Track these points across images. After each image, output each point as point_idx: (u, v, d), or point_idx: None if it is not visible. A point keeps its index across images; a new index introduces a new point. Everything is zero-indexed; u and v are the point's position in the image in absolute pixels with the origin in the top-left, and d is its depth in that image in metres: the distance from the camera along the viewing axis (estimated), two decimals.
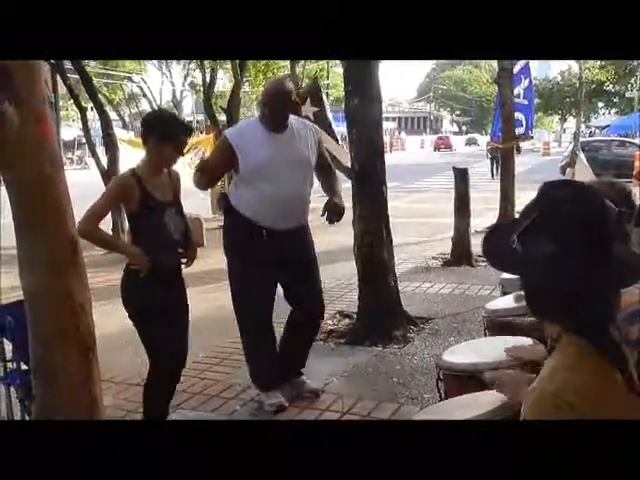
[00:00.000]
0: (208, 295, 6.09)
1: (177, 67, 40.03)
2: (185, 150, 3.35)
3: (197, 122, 47.48)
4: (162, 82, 46.31)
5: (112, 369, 4.23)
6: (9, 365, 2.93)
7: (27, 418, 2.82)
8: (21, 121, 2.12)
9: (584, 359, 1.23)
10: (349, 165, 4.99)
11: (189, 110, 54.73)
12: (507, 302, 3.37)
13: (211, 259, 7.10)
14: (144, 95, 47.73)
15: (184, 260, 3.29)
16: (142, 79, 44.44)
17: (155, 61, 38.33)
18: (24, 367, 2.80)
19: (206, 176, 3.69)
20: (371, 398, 3.84)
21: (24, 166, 2.17)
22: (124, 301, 3.10)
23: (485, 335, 3.26)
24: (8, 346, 2.98)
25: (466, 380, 2.50)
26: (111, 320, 4.71)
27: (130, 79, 43.39)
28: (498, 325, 3.15)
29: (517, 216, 1.38)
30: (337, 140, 8.30)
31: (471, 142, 55.96)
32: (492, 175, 20.00)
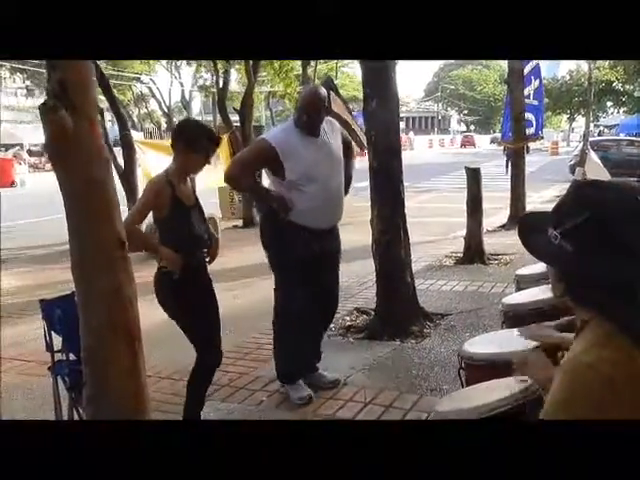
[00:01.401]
0: (226, 293, 6.25)
1: (186, 68, 40.25)
2: None
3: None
4: (171, 83, 46.50)
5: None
6: (57, 356, 3.10)
7: (75, 406, 3.00)
8: (76, 127, 2.28)
9: (613, 339, 1.36)
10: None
11: (197, 110, 55.04)
12: (525, 297, 3.53)
13: (225, 258, 7.22)
14: (153, 96, 48.00)
15: (207, 258, 3.45)
16: (151, 80, 44.71)
17: (164, 62, 38.57)
18: (72, 357, 2.98)
19: (247, 176, 3.89)
20: (392, 389, 4.00)
21: (78, 168, 2.32)
22: (161, 302, 3.24)
23: (502, 328, 3.40)
24: (56, 339, 3.15)
25: (486, 369, 2.66)
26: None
27: (139, 80, 43.63)
28: (515, 318, 3.29)
29: (547, 210, 1.53)
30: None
31: (495, 140, 57.61)
32: (507, 171, 20.26)
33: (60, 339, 3.17)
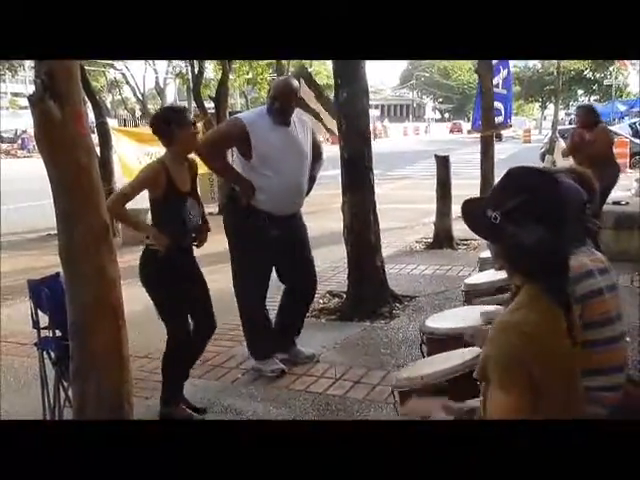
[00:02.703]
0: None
1: None
2: None
3: None
4: (145, 69, 46.11)
5: None
6: (45, 332, 3.28)
7: (61, 379, 3.18)
8: (62, 118, 2.44)
9: (539, 302, 1.60)
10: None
11: (172, 98, 54.64)
12: (484, 277, 3.77)
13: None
14: (127, 82, 47.53)
15: (195, 242, 3.65)
16: (125, 66, 44.25)
17: None
18: (58, 334, 3.16)
19: (218, 152, 4.05)
20: (361, 366, 4.23)
21: (65, 158, 2.48)
22: (144, 278, 3.43)
23: (464, 305, 3.64)
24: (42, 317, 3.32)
25: (444, 342, 2.89)
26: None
27: (112, 66, 43.17)
28: (475, 297, 3.54)
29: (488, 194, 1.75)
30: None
31: None
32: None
33: (44, 318, 3.34)
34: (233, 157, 4.34)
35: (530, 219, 1.59)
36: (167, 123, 3.42)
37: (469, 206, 1.79)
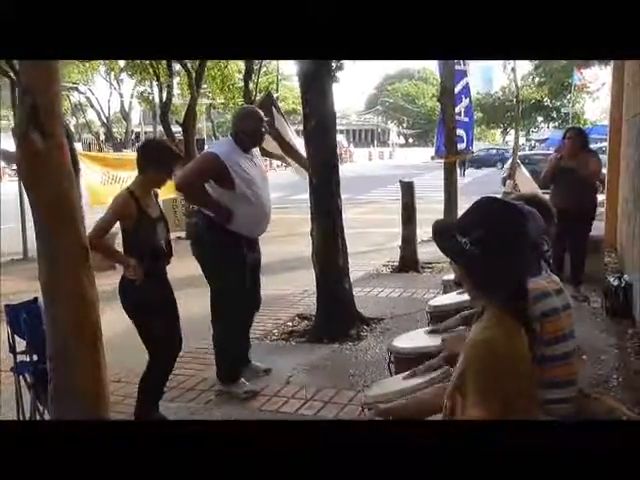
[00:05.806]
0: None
1: (126, 79, 39.93)
2: None
3: (145, 133, 47.24)
4: (110, 93, 46.03)
5: None
6: (21, 357, 3.33)
7: (36, 402, 3.23)
8: (45, 147, 2.54)
9: (504, 321, 1.75)
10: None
11: (137, 121, 54.48)
12: (447, 299, 3.94)
13: (171, 267, 7.46)
14: (91, 106, 47.33)
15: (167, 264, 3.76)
16: (89, 89, 44.08)
17: (103, 72, 38.14)
18: (35, 358, 3.21)
19: (198, 186, 4.10)
20: (331, 387, 4.34)
21: (47, 185, 2.57)
22: (125, 306, 3.54)
23: (429, 326, 3.79)
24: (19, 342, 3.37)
25: (411, 360, 3.03)
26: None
27: (77, 89, 42.93)
28: (439, 317, 3.69)
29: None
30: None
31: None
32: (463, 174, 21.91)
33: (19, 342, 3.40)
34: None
35: (497, 247, 1.74)
36: (154, 159, 3.52)
37: (440, 227, 1.93)
